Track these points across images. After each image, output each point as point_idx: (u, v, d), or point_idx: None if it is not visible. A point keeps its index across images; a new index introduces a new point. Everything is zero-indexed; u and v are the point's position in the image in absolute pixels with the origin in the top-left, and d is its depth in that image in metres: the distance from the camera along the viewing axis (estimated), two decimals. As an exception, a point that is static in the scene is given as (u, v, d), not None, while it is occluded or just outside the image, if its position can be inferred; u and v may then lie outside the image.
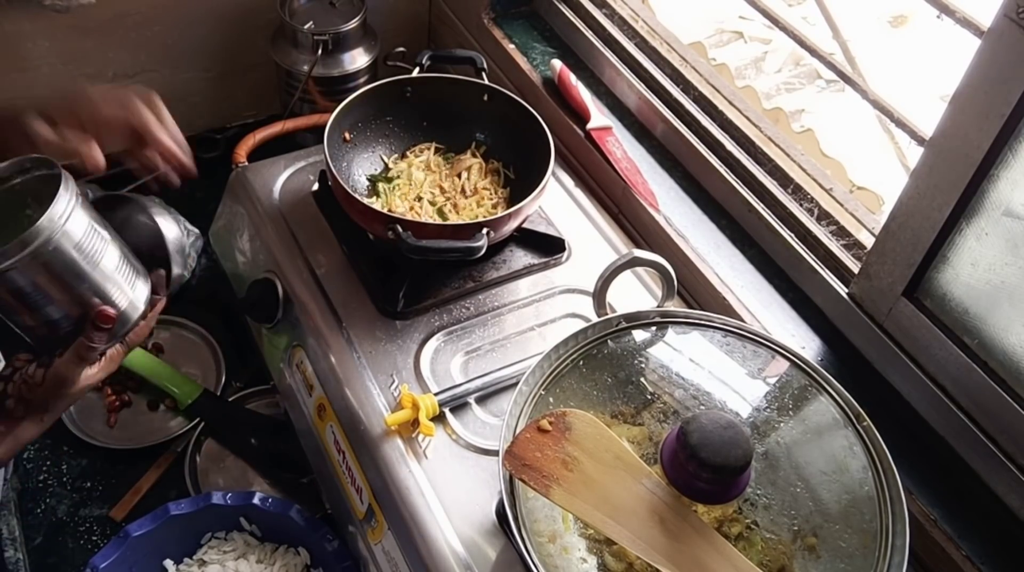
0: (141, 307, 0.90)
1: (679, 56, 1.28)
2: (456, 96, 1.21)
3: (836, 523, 0.74)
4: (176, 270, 0.97)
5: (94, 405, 1.30)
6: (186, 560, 1.08)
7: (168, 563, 1.07)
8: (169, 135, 0.97)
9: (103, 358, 0.89)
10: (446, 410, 0.96)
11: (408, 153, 1.23)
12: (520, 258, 1.14)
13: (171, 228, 0.97)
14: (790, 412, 0.82)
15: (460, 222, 1.10)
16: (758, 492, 0.75)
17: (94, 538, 1.18)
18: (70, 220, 0.82)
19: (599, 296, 0.90)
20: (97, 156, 0.91)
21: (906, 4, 1.91)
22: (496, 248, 1.13)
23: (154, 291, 0.92)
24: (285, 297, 1.12)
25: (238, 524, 1.09)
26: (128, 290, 0.89)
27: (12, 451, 0.85)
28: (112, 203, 1.00)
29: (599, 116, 1.27)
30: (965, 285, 0.87)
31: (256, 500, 1.06)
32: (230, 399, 1.31)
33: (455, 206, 1.16)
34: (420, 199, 1.16)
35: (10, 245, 0.79)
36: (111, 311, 0.86)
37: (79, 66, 1.46)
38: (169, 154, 0.97)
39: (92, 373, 0.88)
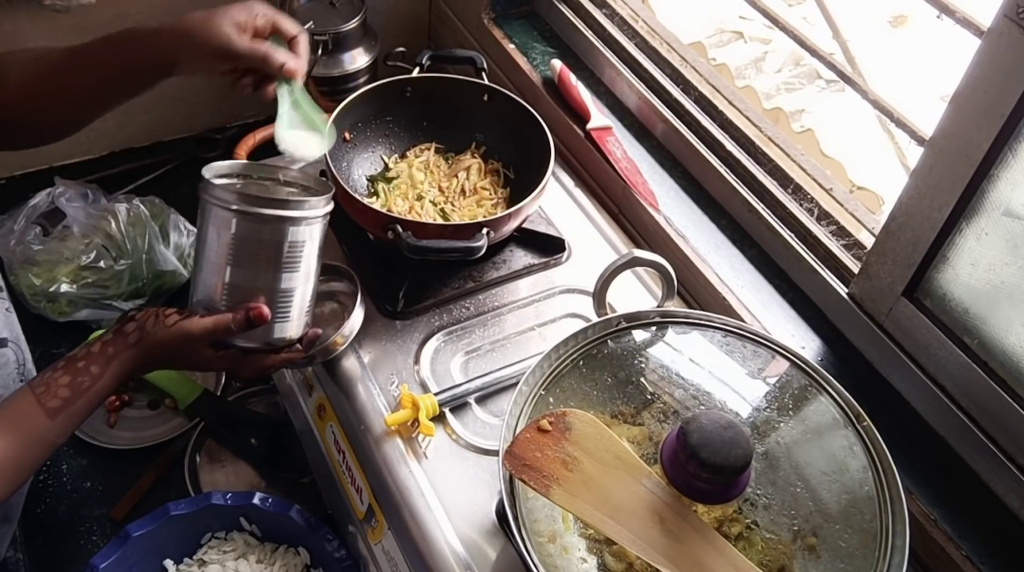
0: (284, 336, 0.91)
1: (679, 56, 1.28)
2: (456, 96, 1.21)
3: (836, 523, 0.74)
4: (330, 346, 0.98)
5: (94, 405, 1.30)
6: (186, 560, 1.08)
7: (168, 563, 1.07)
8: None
9: (223, 353, 0.89)
10: (446, 410, 0.96)
11: (408, 153, 1.23)
12: (520, 258, 1.14)
13: (358, 318, 1.00)
14: (790, 412, 0.82)
15: (460, 222, 1.10)
16: (758, 492, 0.75)
17: (94, 538, 1.19)
18: (320, 224, 0.90)
19: (599, 296, 0.90)
20: (298, 62, 0.93)
21: (906, 4, 1.91)
22: (496, 248, 1.13)
23: (299, 340, 0.93)
24: (285, 297, 1.12)
25: (238, 524, 1.09)
26: (292, 317, 0.90)
27: (112, 380, 0.84)
28: (331, 271, 1.06)
29: (599, 116, 1.27)
30: (965, 285, 0.87)
31: (256, 500, 1.06)
32: (230, 399, 1.32)
33: (455, 206, 1.16)
34: (420, 199, 1.16)
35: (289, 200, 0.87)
36: (267, 313, 0.87)
37: (79, 66, 1.46)
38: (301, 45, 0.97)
39: (207, 355, 0.88)
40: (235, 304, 0.87)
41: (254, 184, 0.95)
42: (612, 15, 1.36)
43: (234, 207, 0.85)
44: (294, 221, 0.87)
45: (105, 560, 1.00)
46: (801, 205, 1.09)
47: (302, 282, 0.90)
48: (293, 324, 0.91)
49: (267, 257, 0.87)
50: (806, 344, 1.03)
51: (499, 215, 1.06)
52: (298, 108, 0.95)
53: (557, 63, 1.34)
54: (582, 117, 1.28)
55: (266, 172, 0.96)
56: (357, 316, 0.99)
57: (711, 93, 1.22)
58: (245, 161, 0.94)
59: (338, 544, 1.03)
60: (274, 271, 0.88)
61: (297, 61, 0.93)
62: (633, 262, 0.90)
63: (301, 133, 0.95)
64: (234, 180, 0.94)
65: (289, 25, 0.94)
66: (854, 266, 1.01)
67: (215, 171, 0.91)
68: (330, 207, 0.91)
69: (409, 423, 0.94)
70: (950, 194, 0.84)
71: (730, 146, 1.17)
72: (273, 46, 0.91)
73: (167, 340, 0.85)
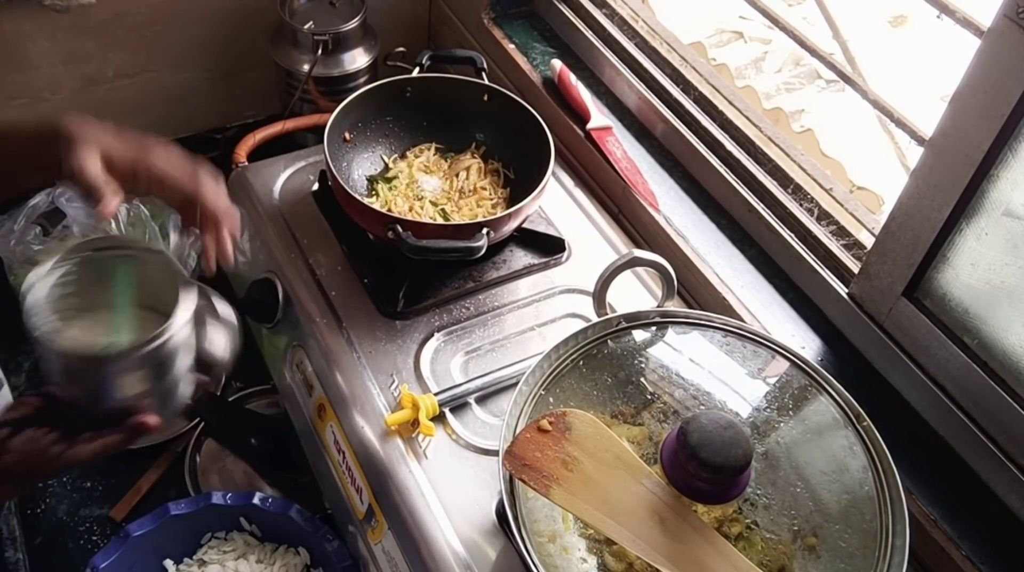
0: (165, 419, 0.83)
1: (679, 56, 1.28)
2: (456, 96, 1.21)
3: (836, 523, 0.74)
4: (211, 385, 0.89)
5: (94, 405, 1.30)
6: (186, 560, 1.08)
7: (168, 563, 1.07)
8: (222, 213, 0.83)
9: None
10: (446, 410, 0.96)
11: (408, 153, 1.23)
12: (520, 258, 1.14)
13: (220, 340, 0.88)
14: (790, 412, 0.82)
15: (460, 222, 1.10)
16: (758, 492, 0.75)
17: (94, 538, 1.18)
18: (183, 333, 0.79)
19: (599, 296, 0.90)
20: (113, 208, 0.77)
21: (906, 4, 1.91)
22: (496, 248, 1.13)
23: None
24: (285, 297, 1.12)
25: (238, 524, 1.09)
26: (169, 405, 0.83)
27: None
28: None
29: (599, 116, 1.27)
30: (965, 285, 0.87)
31: (256, 500, 1.06)
32: (230, 399, 1.31)
33: (456, 206, 1.16)
34: (420, 199, 1.16)
35: (131, 344, 0.76)
36: (154, 423, 0.79)
37: (79, 66, 1.46)
38: (217, 226, 0.83)
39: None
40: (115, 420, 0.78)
41: (110, 254, 0.81)
42: (612, 15, 1.36)
43: (56, 349, 0.74)
44: (144, 357, 0.75)
45: (105, 560, 1.00)
46: (801, 205, 1.09)
47: (181, 375, 0.81)
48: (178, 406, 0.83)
49: (152, 370, 0.77)
50: (806, 344, 1.03)
51: (499, 215, 1.06)
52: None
53: (557, 63, 1.34)
54: (582, 117, 1.28)
55: (115, 243, 0.82)
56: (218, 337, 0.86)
57: (711, 93, 1.22)
58: (77, 241, 0.80)
59: (338, 544, 1.03)
60: (160, 379, 0.78)
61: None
62: (633, 262, 0.90)
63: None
64: (79, 255, 0.79)
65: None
66: (854, 266, 1.01)
67: (37, 277, 0.77)
68: (192, 307, 0.78)
69: (409, 423, 0.94)
70: (950, 194, 0.84)
71: (730, 146, 1.17)
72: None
73: (52, 468, 0.78)
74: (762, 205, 1.12)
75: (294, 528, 1.06)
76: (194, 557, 1.08)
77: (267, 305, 1.13)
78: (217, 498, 1.06)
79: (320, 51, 1.43)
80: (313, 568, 1.08)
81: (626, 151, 1.24)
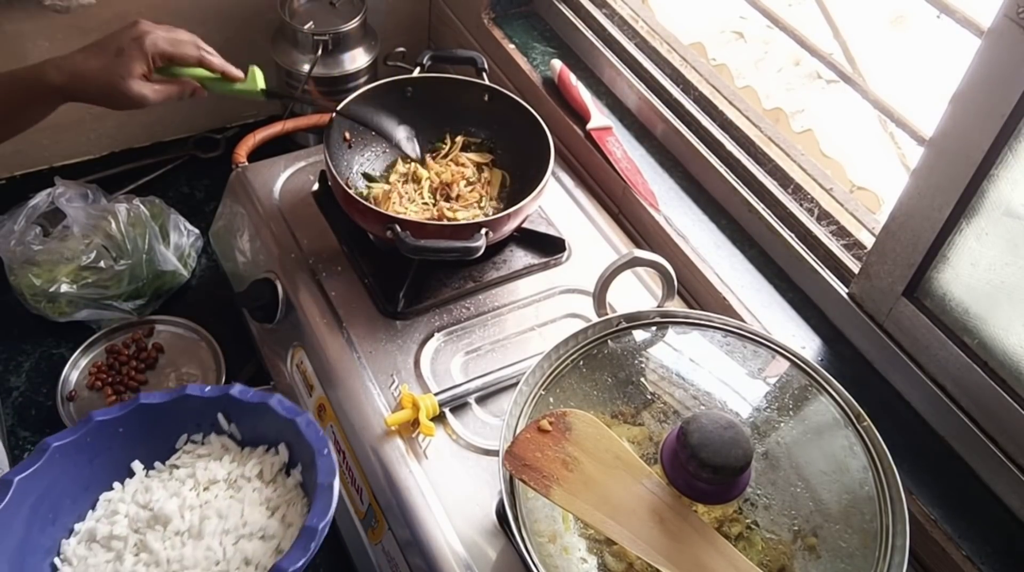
0: None
1: (679, 56, 1.28)
2: (456, 96, 1.21)
3: (836, 523, 0.74)
4: None
5: (94, 404, 1.30)
6: (157, 464, 0.98)
7: (136, 464, 0.97)
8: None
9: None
10: (446, 410, 0.96)
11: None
12: (520, 258, 1.14)
13: None
14: (790, 412, 0.82)
15: (460, 222, 1.10)
16: (758, 492, 0.75)
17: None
18: None
19: (599, 296, 0.90)
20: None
21: (906, 4, 1.91)
22: (496, 248, 1.13)
23: None
24: (285, 297, 1.12)
25: (217, 426, 0.99)
26: None
27: None
28: None
29: (599, 116, 1.27)
30: (965, 285, 0.87)
31: (235, 392, 0.96)
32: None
33: (455, 206, 1.16)
34: (420, 198, 1.15)
35: None
36: None
37: (79, 66, 1.46)
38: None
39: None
40: None
41: None
42: (612, 15, 1.36)
43: None
44: None
45: (61, 440, 0.90)
46: (801, 205, 1.09)
47: None
48: None
49: None
50: (806, 344, 1.03)
51: (499, 215, 1.06)
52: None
53: (557, 63, 1.34)
54: (582, 117, 1.28)
55: None
56: None
57: (711, 93, 1.22)
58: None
59: (316, 426, 0.92)
60: None
61: (213, 61, 1.04)
62: (633, 262, 0.90)
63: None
64: None
65: (185, 52, 1.03)
66: (854, 266, 1.01)
67: None
68: None
69: (409, 423, 0.94)
70: (950, 194, 0.84)
71: (730, 146, 1.17)
72: (180, 78, 1.03)
73: None
74: (762, 205, 1.12)
75: (274, 425, 0.95)
76: (166, 463, 0.98)
77: (267, 305, 1.13)
78: (194, 389, 0.97)
79: (320, 51, 1.43)
80: (291, 467, 0.96)
81: (626, 151, 1.24)
